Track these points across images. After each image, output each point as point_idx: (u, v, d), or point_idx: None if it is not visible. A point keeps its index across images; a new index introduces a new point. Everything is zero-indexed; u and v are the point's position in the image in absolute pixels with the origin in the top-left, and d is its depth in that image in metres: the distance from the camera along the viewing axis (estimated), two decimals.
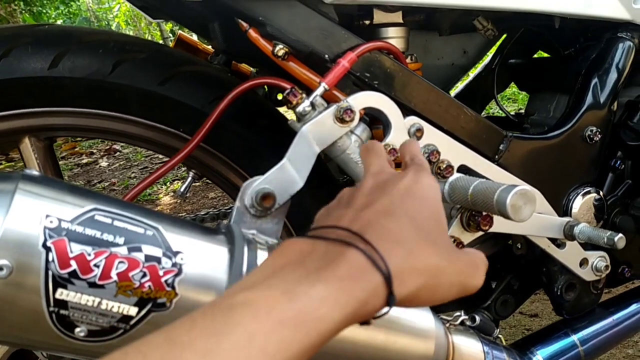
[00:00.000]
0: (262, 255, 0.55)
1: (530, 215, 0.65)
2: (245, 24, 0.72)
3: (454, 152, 0.75)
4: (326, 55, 0.72)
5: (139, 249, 0.48)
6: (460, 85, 1.34)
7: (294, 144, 0.64)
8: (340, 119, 0.66)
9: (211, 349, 0.30)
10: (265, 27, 0.70)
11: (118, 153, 5.08)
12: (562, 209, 0.89)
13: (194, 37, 1.13)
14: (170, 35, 8.16)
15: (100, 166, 4.72)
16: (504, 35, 1.18)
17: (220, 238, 0.56)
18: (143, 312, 0.48)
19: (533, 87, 1.15)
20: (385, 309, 0.38)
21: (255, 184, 0.60)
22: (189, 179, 0.85)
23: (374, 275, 0.37)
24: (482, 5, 0.81)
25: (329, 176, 0.91)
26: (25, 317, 0.45)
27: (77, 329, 0.47)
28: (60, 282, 0.45)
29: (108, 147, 5.16)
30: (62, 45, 0.70)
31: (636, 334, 1.57)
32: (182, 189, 0.85)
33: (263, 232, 0.61)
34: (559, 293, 0.92)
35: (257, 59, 0.95)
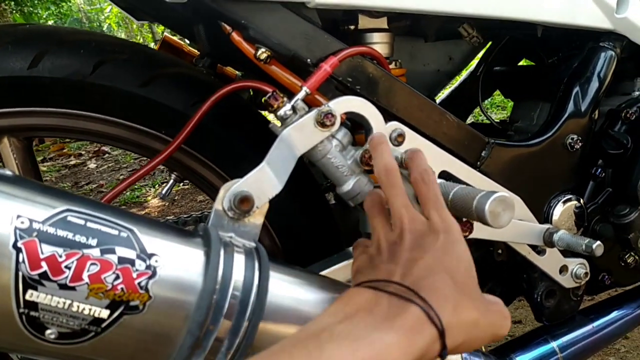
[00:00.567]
0: (238, 259, 0.55)
1: (508, 221, 0.65)
2: (228, 27, 0.72)
3: (435, 158, 0.75)
4: (308, 60, 0.72)
5: (112, 251, 0.48)
6: (445, 92, 1.35)
7: (274, 147, 0.64)
8: (321, 123, 0.66)
9: None
10: (248, 30, 0.70)
11: (107, 155, 5.06)
12: (543, 216, 0.90)
13: (181, 40, 1.13)
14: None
15: (88, 168, 4.69)
16: (489, 43, 1.19)
17: (196, 241, 0.55)
18: (115, 314, 0.47)
19: (517, 95, 1.16)
20: None
21: (234, 187, 0.60)
22: (171, 181, 0.85)
23: (431, 329, 0.44)
24: (466, 12, 0.81)
25: (312, 180, 0.91)
26: None
27: (48, 331, 0.46)
28: (31, 283, 0.44)
29: (97, 148, 5.14)
30: (42, 45, 0.69)
31: (618, 342, 1.58)
32: (164, 192, 0.85)
33: (241, 235, 0.61)
34: (539, 299, 0.92)
35: (241, 62, 0.95)
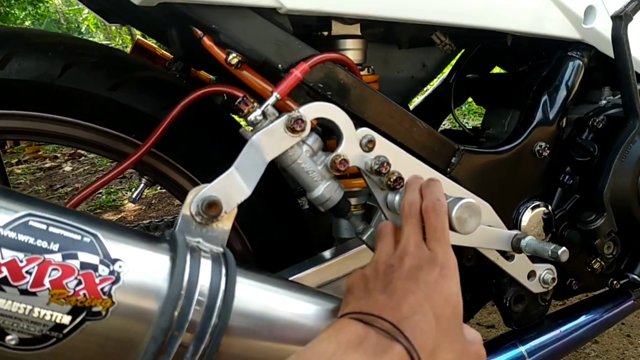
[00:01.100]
0: (205, 264, 0.55)
1: (475, 227, 0.66)
2: (199, 32, 0.72)
3: (405, 164, 0.75)
4: (279, 65, 0.72)
5: (75, 256, 0.47)
6: (419, 98, 1.36)
7: (243, 152, 0.64)
8: (291, 129, 0.66)
9: None
10: (219, 35, 0.70)
11: (83, 157, 5.00)
12: (512, 222, 0.91)
13: (156, 43, 1.12)
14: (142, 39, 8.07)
15: (64, 170, 4.63)
16: (462, 51, 1.21)
17: (163, 246, 0.55)
18: (77, 320, 0.47)
19: (489, 102, 1.17)
20: None
21: (202, 192, 0.60)
22: (142, 185, 0.84)
23: None
24: (436, 21, 0.82)
25: (285, 185, 0.91)
26: None
27: (8, 337, 0.46)
28: None
29: (73, 151, 5.07)
30: (10, 47, 0.69)
31: (588, 346, 1.61)
32: (134, 196, 0.84)
33: (209, 240, 0.61)
34: (507, 304, 0.93)
35: (215, 67, 0.95)
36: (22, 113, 0.71)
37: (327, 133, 0.75)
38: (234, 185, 0.62)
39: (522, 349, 0.94)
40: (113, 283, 0.49)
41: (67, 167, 4.68)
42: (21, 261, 0.45)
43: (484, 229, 0.80)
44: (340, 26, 0.86)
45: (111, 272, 0.49)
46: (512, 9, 0.88)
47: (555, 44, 0.97)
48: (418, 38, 1.06)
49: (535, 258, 0.89)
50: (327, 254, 0.88)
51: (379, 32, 0.96)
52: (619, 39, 0.92)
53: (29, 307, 0.45)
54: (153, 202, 3.49)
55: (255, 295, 0.59)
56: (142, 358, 0.49)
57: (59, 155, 5.18)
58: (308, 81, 0.73)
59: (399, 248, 0.60)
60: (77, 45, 0.73)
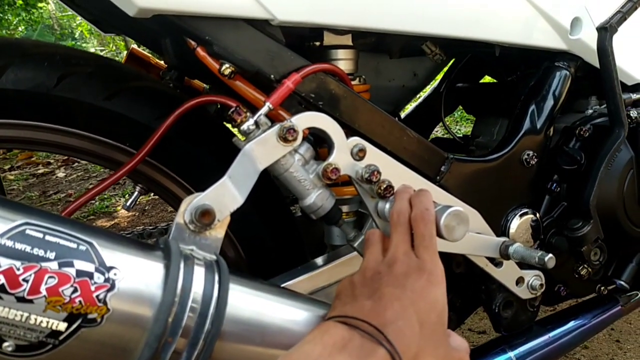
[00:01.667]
0: (198, 271, 0.56)
1: (463, 235, 0.68)
2: (193, 42, 0.73)
3: (395, 173, 0.77)
4: (272, 76, 0.73)
5: (71, 264, 0.48)
6: (410, 107, 1.38)
7: (236, 161, 0.65)
8: (284, 138, 0.67)
9: None
10: (212, 46, 0.71)
11: (76, 164, 4.98)
12: (501, 230, 0.93)
13: (150, 53, 1.14)
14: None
15: (57, 177, 4.61)
16: (452, 60, 1.23)
17: (157, 254, 0.56)
18: (73, 327, 0.48)
19: (479, 111, 1.19)
20: None
21: (195, 201, 0.61)
22: (136, 193, 0.85)
23: None
24: (426, 32, 0.84)
25: (278, 193, 0.92)
26: None
27: (5, 344, 0.47)
28: None
29: (66, 157, 5.05)
30: (6, 57, 0.70)
31: (578, 351, 1.63)
32: (128, 204, 0.85)
33: (202, 248, 0.62)
34: (496, 310, 0.95)
35: (208, 76, 0.96)
36: (18, 122, 0.72)
37: (319, 142, 0.76)
38: (227, 194, 0.63)
39: (511, 354, 0.95)
40: (108, 290, 0.50)
41: (61, 174, 4.67)
42: (18, 269, 0.46)
43: (473, 236, 0.82)
44: (332, 37, 0.87)
45: (106, 280, 0.50)
46: (501, 20, 0.90)
47: (542, 54, 0.99)
48: (409, 48, 1.08)
49: (524, 264, 0.91)
50: (319, 260, 0.89)
51: (371, 42, 0.98)
52: (604, 49, 0.94)
53: (26, 314, 0.46)
54: (146, 208, 3.49)
55: (248, 302, 0.60)
56: None
57: (52, 161, 5.16)
58: (300, 91, 0.74)
59: (387, 255, 0.61)
60: (72, 56, 0.74)
